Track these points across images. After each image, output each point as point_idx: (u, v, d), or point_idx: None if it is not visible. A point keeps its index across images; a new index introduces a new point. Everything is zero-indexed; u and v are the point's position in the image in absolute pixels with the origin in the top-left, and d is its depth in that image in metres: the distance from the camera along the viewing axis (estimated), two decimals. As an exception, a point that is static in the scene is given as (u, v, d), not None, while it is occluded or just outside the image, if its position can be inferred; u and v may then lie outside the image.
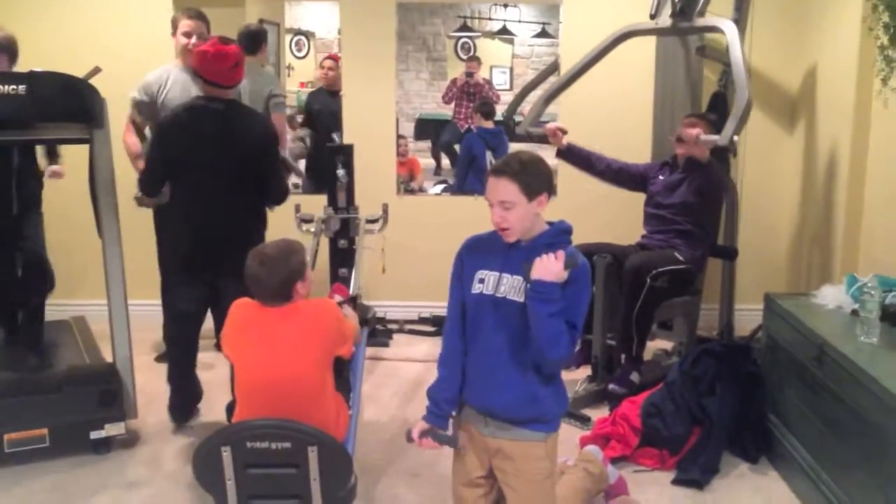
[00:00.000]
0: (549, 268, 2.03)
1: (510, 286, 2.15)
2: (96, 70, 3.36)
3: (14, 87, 2.94)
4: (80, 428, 2.97)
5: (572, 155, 3.99)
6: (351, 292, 3.45)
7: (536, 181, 2.09)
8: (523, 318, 2.13)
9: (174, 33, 3.94)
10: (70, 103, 3.09)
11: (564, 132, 3.96)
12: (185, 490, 2.94)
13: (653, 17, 3.92)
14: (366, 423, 3.53)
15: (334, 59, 5.39)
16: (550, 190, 2.14)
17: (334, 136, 5.01)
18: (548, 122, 4.15)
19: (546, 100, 4.10)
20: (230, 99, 3.25)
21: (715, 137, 3.53)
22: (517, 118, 4.62)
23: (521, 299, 2.12)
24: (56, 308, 4.07)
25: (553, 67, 4.88)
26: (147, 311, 3.73)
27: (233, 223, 3.21)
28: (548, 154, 3.76)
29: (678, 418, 3.21)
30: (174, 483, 3.02)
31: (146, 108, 3.77)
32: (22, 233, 3.59)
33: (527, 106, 4.58)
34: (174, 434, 3.42)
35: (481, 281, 2.19)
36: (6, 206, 3.44)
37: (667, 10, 3.89)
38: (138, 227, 3.73)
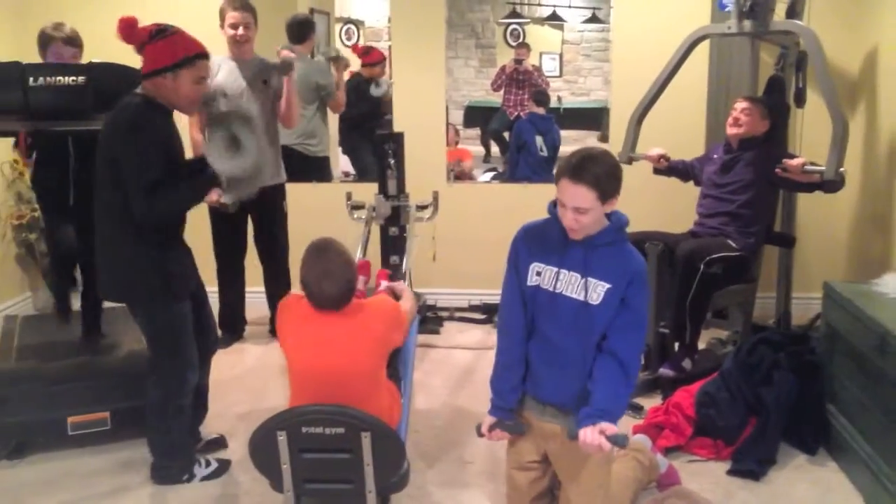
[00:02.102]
0: (596, 448, 2.07)
1: (567, 283, 2.14)
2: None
3: (74, 78, 3.01)
4: (142, 411, 3.02)
5: (670, 171, 4.07)
6: (403, 280, 3.46)
7: (612, 186, 2.09)
8: (583, 315, 2.13)
9: (222, 25, 3.98)
10: (128, 93, 3.15)
11: (668, 159, 4.01)
12: (243, 472, 2.99)
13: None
14: (417, 410, 3.55)
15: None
16: (620, 190, 2.13)
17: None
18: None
19: (638, 120, 4.06)
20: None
21: (820, 168, 3.45)
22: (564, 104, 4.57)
23: (581, 297, 2.11)
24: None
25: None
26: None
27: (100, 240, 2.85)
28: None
29: (733, 408, 3.16)
30: (234, 465, 3.08)
31: (205, 98, 3.79)
32: (80, 223, 3.66)
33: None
34: (234, 417, 3.49)
35: (538, 274, 2.19)
36: (64, 196, 3.52)
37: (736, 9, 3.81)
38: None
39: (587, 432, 2.04)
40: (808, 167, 3.51)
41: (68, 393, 3.13)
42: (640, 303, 2.15)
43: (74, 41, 3.54)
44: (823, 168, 3.43)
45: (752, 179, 3.73)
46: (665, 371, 3.61)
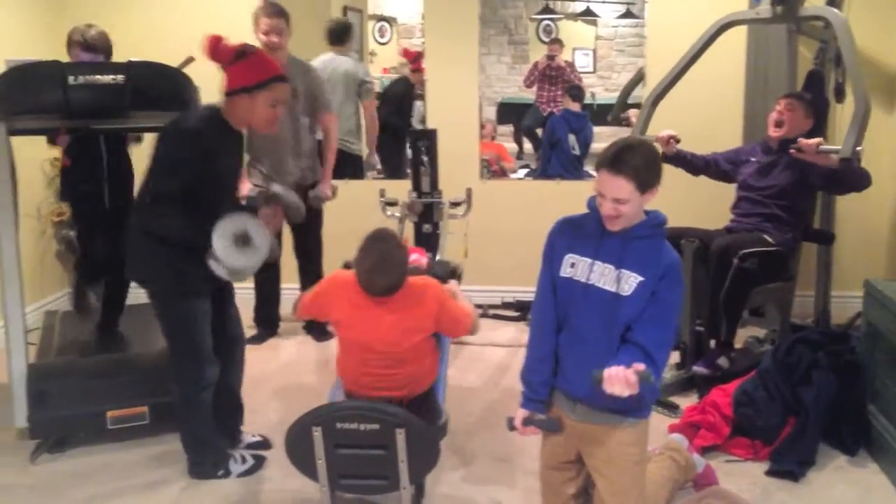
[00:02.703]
0: (622, 391, 1.97)
1: (601, 274, 2.13)
2: (190, 59, 3.45)
3: (113, 76, 3.05)
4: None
5: (678, 159, 3.95)
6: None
7: (652, 177, 2.08)
8: (613, 306, 2.11)
9: (256, 30, 4.01)
10: (166, 92, 3.19)
11: (678, 141, 3.91)
12: (279, 468, 3.01)
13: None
14: (451, 407, 3.53)
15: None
16: (660, 180, 2.12)
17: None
18: (632, 105, 4.05)
19: (653, 102, 4.01)
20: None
21: (836, 148, 3.39)
22: (597, 101, 4.55)
23: (613, 289, 2.10)
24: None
25: (639, 76, 4.80)
26: (238, 295, 3.82)
27: None
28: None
29: (772, 407, 3.12)
30: (269, 461, 3.09)
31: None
32: (114, 226, 3.71)
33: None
34: (269, 413, 3.52)
35: (572, 265, 2.17)
36: (98, 202, 3.57)
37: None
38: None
39: (612, 369, 1.99)
40: (824, 147, 3.46)
41: (107, 388, 3.18)
42: (669, 297, 2.12)
43: (95, 47, 3.57)
44: (840, 147, 3.36)
45: (792, 184, 3.67)
46: (699, 368, 3.58)
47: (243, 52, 2.74)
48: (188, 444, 3.01)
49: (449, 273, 3.38)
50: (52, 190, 4.81)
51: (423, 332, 2.58)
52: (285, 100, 2.86)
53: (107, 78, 3.04)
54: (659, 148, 3.78)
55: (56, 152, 4.58)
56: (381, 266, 2.46)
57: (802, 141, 3.51)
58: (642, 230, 2.14)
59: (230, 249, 2.65)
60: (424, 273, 2.94)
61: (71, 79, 3.00)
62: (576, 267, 2.17)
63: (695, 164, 3.96)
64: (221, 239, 2.63)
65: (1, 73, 3.04)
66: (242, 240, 2.68)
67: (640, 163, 2.05)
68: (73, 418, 3.15)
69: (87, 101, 3.05)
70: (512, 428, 2.27)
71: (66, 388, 3.14)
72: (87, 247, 3.82)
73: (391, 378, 2.57)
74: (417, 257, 3.17)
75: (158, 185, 2.66)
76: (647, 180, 2.06)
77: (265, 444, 3.20)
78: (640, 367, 1.96)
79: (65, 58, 3.53)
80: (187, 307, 2.83)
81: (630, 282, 2.11)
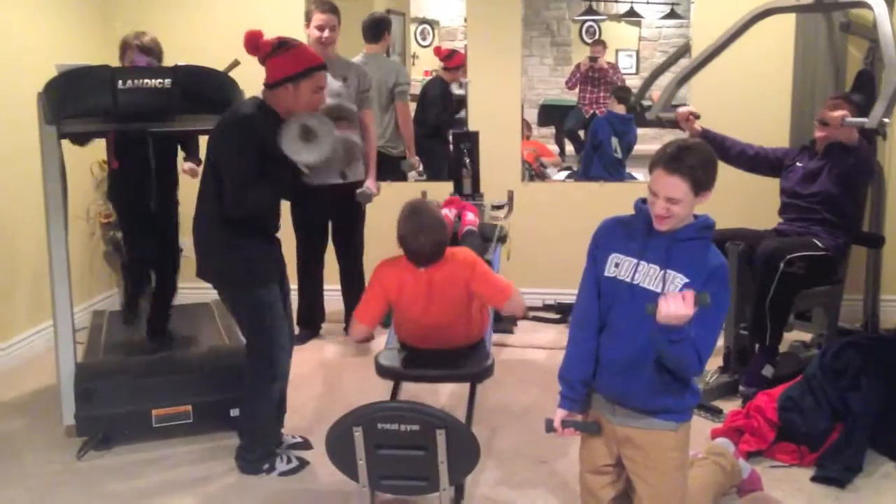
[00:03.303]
0: (678, 311, 1.94)
1: (646, 274, 2.11)
2: (235, 63, 3.49)
3: (161, 80, 3.10)
4: (222, 405, 3.10)
5: (706, 140, 3.82)
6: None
7: (707, 178, 2.07)
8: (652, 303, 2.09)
9: (307, 25, 4.06)
10: (212, 96, 3.24)
11: (697, 117, 3.80)
12: (320, 467, 3.03)
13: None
14: (492, 409, 3.55)
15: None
16: (714, 183, 2.10)
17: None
18: (679, 106, 4.01)
19: (678, 83, 3.96)
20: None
21: (862, 120, 3.32)
22: (646, 103, 4.50)
23: (658, 289, 2.08)
24: (192, 291, 4.22)
25: (684, 49, 4.71)
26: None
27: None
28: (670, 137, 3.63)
29: (818, 413, 3.06)
30: (311, 461, 3.11)
31: None
32: (160, 228, 3.77)
33: (656, 90, 4.45)
34: (311, 413, 3.55)
35: (617, 265, 2.16)
36: (144, 204, 3.63)
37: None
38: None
39: (668, 293, 2.00)
40: (849, 119, 3.40)
41: (153, 386, 3.23)
42: (715, 299, 2.09)
43: (151, 50, 3.65)
44: (866, 119, 3.28)
45: (839, 187, 3.59)
46: (744, 389, 3.50)
47: (284, 42, 2.83)
48: (246, 429, 3.06)
49: (498, 234, 3.76)
50: (101, 192, 4.92)
51: (462, 295, 2.82)
52: (324, 87, 2.96)
53: (154, 82, 3.10)
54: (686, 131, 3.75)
55: (104, 154, 4.69)
56: (423, 230, 2.70)
57: (826, 112, 3.45)
58: (689, 232, 2.12)
59: (296, 145, 2.76)
60: (477, 233, 3.47)
61: (120, 83, 3.06)
62: (620, 266, 2.16)
63: (726, 148, 3.82)
64: (287, 138, 2.74)
65: (51, 78, 3.11)
66: (306, 134, 2.77)
67: (696, 162, 2.04)
68: (119, 416, 3.21)
69: (135, 105, 3.11)
70: (550, 429, 2.25)
71: (112, 387, 3.20)
72: (132, 248, 3.89)
73: (443, 337, 2.89)
74: (473, 217, 3.57)
75: (236, 172, 2.75)
76: (702, 181, 2.04)
77: (306, 444, 3.23)
78: (691, 294, 1.95)
79: (112, 62, 3.61)
80: (259, 295, 2.90)
81: (676, 282, 2.09)
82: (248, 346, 3.01)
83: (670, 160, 2.04)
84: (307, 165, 2.79)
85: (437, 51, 5.88)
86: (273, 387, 2.99)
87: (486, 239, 3.64)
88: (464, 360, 2.91)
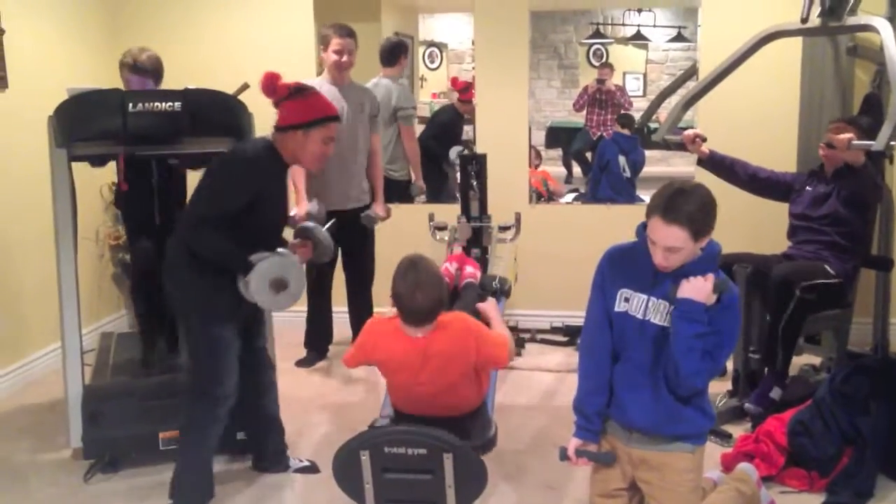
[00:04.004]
0: (699, 289, 1.99)
1: (656, 310, 2.11)
2: (245, 86, 3.52)
3: (171, 104, 3.12)
4: (228, 429, 3.08)
5: (714, 163, 3.82)
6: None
7: (706, 223, 2.03)
8: (663, 338, 2.09)
9: (325, 49, 4.10)
10: (221, 119, 3.26)
11: (704, 139, 3.80)
12: (328, 489, 3.01)
13: (804, 20, 3.68)
14: (500, 432, 3.52)
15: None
16: (714, 226, 2.07)
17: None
18: (685, 128, 4.01)
19: (684, 105, 3.97)
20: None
21: (870, 143, 3.32)
22: (652, 125, 4.51)
23: (666, 323, 2.08)
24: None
25: (691, 72, 4.74)
26: (289, 318, 3.87)
27: None
28: (685, 161, 3.65)
29: (828, 438, 3.04)
30: (317, 484, 3.10)
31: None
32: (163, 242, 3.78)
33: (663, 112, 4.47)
34: (317, 436, 3.53)
35: (626, 300, 2.15)
36: (148, 215, 3.65)
37: (815, 10, 3.69)
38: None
39: (690, 278, 2.03)
40: (856, 143, 3.38)
41: (160, 409, 3.22)
42: (722, 326, 2.08)
43: (144, 69, 3.65)
44: (873, 142, 3.26)
45: (848, 212, 3.59)
46: (751, 406, 3.49)
47: (301, 89, 2.80)
48: (178, 465, 2.93)
49: (495, 287, 3.48)
50: (110, 214, 4.94)
51: (465, 368, 2.55)
52: (334, 139, 2.90)
53: (165, 105, 3.12)
54: (692, 152, 3.75)
55: (113, 177, 4.72)
56: (420, 286, 2.44)
57: (833, 136, 3.45)
58: (695, 266, 2.09)
59: (265, 292, 2.73)
60: (477, 285, 3.19)
61: (131, 106, 3.08)
62: (630, 302, 2.15)
63: (735, 171, 3.81)
64: (259, 279, 2.71)
65: (62, 102, 3.13)
66: (279, 285, 2.75)
67: (694, 209, 1.99)
68: (126, 439, 3.20)
69: (145, 128, 3.13)
70: (564, 458, 2.25)
71: (119, 409, 3.20)
72: (136, 252, 3.90)
73: (439, 404, 2.58)
74: (473, 270, 3.27)
75: (208, 208, 2.70)
76: (701, 227, 2.01)
77: (313, 468, 3.21)
78: (711, 276, 1.99)
79: (118, 82, 3.64)
80: (214, 332, 2.82)
81: None
82: (193, 382, 2.92)
83: (667, 209, 2.00)
84: (263, 306, 2.83)
85: (454, 82, 5.93)
86: (209, 432, 2.89)
87: (486, 291, 3.43)
88: (462, 431, 2.50)
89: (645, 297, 2.13)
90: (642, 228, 2.14)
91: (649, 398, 2.13)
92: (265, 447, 3.18)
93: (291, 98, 2.78)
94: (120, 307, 5.16)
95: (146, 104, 3.11)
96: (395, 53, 4.80)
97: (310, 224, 3.11)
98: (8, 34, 4.05)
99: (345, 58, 4.08)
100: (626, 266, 2.19)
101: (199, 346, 2.86)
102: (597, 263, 2.27)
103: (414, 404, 2.63)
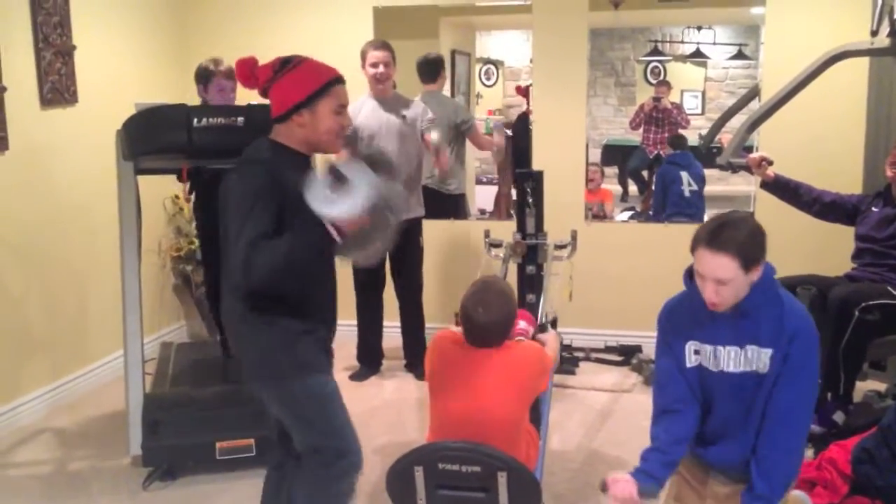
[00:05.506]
0: (623, 493, 2.03)
1: (727, 358, 2.04)
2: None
3: (234, 118, 3.19)
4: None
5: (778, 186, 3.77)
6: (538, 320, 3.44)
7: (756, 252, 1.94)
8: (747, 384, 2.04)
9: (363, 65, 4.15)
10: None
11: (770, 163, 3.74)
12: (377, 506, 3.02)
13: (874, 33, 3.60)
14: (552, 451, 3.50)
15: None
16: (765, 255, 1.99)
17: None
18: (748, 149, 3.94)
19: (748, 128, 3.89)
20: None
21: None
22: (715, 148, 4.45)
23: (748, 369, 2.03)
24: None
25: (754, 92, 4.66)
26: (342, 332, 3.88)
27: None
28: (744, 180, 3.58)
29: (894, 466, 2.94)
30: (368, 499, 3.11)
31: (349, 139, 3.95)
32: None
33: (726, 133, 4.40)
34: (370, 451, 3.54)
35: (696, 352, 2.09)
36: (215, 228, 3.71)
37: (884, 29, 3.60)
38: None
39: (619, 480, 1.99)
40: None
41: (217, 419, 3.28)
42: (802, 358, 1.99)
43: (233, 75, 3.75)
44: None
45: None
46: (814, 427, 3.40)
47: (287, 61, 2.29)
48: None
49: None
50: (172, 226, 5.05)
51: (522, 398, 2.38)
52: (347, 105, 2.34)
53: (228, 120, 3.18)
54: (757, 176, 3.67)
55: (177, 190, 4.83)
56: (484, 303, 2.31)
57: None
58: (755, 299, 1.99)
59: (322, 195, 2.05)
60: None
61: (195, 121, 3.15)
62: (701, 354, 2.09)
63: (800, 195, 3.76)
64: (312, 188, 2.06)
65: (129, 117, 3.22)
66: (336, 178, 2.08)
67: (742, 237, 1.92)
68: (184, 447, 3.26)
69: (209, 143, 3.19)
70: (604, 490, 2.15)
71: (178, 419, 3.26)
72: (210, 266, 3.97)
73: (480, 430, 2.31)
74: (525, 326, 2.81)
75: (247, 230, 2.09)
76: (750, 256, 1.92)
77: None
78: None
79: (186, 94, 3.72)
80: (315, 385, 2.32)
81: (763, 359, 2.02)
82: (316, 452, 2.35)
83: (713, 238, 1.92)
84: (335, 219, 2.05)
85: (519, 90, 5.96)
86: (345, 488, 2.42)
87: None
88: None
89: (711, 347, 2.06)
90: (688, 276, 2.07)
91: (729, 442, 2.08)
92: None
93: (279, 77, 2.26)
94: (180, 318, 5.25)
95: (210, 119, 3.17)
96: (436, 68, 4.78)
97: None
98: (79, 50, 4.18)
99: (381, 69, 4.11)
100: (686, 318, 2.10)
101: (310, 409, 2.32)
102: (653, 295, 2.22)
103: (452, 429, 2.34)
